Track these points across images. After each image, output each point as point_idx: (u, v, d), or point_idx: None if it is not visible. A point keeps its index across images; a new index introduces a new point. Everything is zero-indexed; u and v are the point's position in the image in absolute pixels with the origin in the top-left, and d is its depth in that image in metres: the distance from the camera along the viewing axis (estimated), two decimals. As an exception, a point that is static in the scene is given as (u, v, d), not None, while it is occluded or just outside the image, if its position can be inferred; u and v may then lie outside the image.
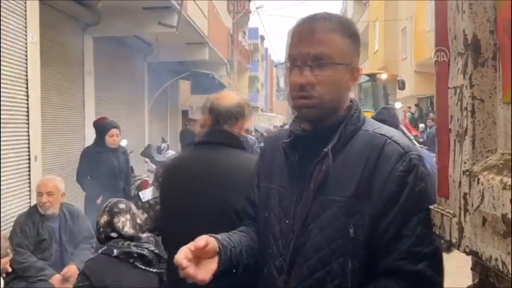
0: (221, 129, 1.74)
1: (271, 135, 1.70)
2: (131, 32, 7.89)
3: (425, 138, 10.89)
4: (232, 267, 1.14)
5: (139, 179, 6.33)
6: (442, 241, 1.00)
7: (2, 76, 3.85)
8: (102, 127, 4.68)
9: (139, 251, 2.16)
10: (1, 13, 3.85)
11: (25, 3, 4.23)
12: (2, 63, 3.86)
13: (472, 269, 1.20)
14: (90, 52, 7.29)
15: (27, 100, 4.26)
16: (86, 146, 5.53)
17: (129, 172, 4.96)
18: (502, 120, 0.77)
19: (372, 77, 12.29)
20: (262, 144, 5.90)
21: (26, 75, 4.25)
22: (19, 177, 4.15)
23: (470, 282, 1.24)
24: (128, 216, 2.24)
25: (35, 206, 3.32)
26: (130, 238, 2.20)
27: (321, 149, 1.09)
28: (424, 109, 17.37)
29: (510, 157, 0.75)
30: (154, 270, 2.19)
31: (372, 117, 3.64)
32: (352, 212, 1.04)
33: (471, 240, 0.83)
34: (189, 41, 9.57)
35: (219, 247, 1.08)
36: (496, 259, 0.75)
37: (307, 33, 1.09)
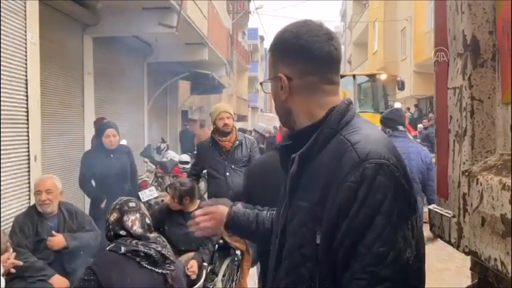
0: None
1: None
2: (131, 32, 7.87)
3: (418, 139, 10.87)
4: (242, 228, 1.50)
5: (139, 179, 6.32)
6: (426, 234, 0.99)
7: (1, 76, 3.85)
8: (99, 129, 4.63)
9: (146, 251, 2.17)
10: (1, 13, 3.85)
11: (25, 3, 4.22)
12: (1, 63, 3.85)
13: (471, 269, 1.20)
14: (90, 52, 7.28)
15: (27, 100, 4.24)
16: (86, 150, 5.48)
17: (134, 172, 4.74)
18: (501, 121, 0.77)
19: (372, 77, 12.28)
20: (261, 146, 5.88)
21: (26, 75, 4.24)
22: (19, 177, 4.14)
23: (469, 282, 1.24)
24: (138, 215, 2.25)
25: (34, 206, 3.32)
26: (139, 237, 2.21)
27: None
28: (423, 110, 17.38)
29: (509, 157, 0.76)
30: (160, 270, 2.20)
31: (383, 116, 3.67)
32: (317, 219, 1.01)
33: (470, 240, 0.84)
34: (188, 42, 9.57)
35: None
36: (495, 259, 0.75)
37: None
